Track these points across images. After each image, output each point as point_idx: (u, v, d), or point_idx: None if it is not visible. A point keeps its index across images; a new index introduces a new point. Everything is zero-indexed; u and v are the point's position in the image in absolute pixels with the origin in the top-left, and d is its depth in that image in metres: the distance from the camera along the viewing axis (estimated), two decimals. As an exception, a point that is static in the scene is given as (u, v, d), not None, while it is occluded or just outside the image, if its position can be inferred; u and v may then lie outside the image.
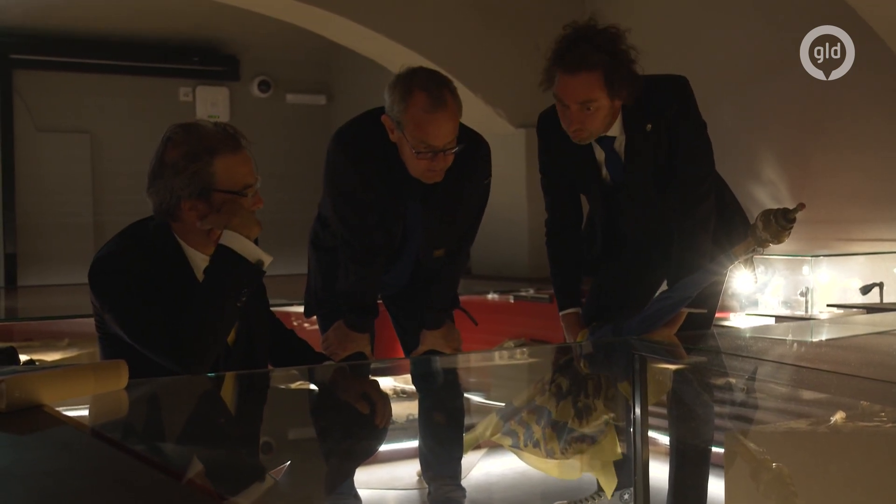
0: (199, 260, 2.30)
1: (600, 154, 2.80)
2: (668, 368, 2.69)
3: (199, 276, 2.28)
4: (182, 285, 2.25)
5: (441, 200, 2.79)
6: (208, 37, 7.84)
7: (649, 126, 2.70)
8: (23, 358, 2.18)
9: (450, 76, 2.72)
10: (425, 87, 2.60)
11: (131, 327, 2.20)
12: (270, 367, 2.49)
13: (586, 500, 2.77)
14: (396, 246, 2.86)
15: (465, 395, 2.94)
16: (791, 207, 2.51)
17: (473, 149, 2.81)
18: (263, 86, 8.13)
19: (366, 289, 2.84)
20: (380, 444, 2.53)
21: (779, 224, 2.50)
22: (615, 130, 2.73)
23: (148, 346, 2.19)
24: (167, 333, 2.17)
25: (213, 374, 2.23)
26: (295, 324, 3.80)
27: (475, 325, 3.02)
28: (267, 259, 2.27)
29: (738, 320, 4.62)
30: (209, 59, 7.94)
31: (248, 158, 2.29)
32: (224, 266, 2.23)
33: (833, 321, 4.25)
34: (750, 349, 2.86)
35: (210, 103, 7.98)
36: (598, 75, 2.58)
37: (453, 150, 2.65)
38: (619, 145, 2.76)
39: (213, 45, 7.96)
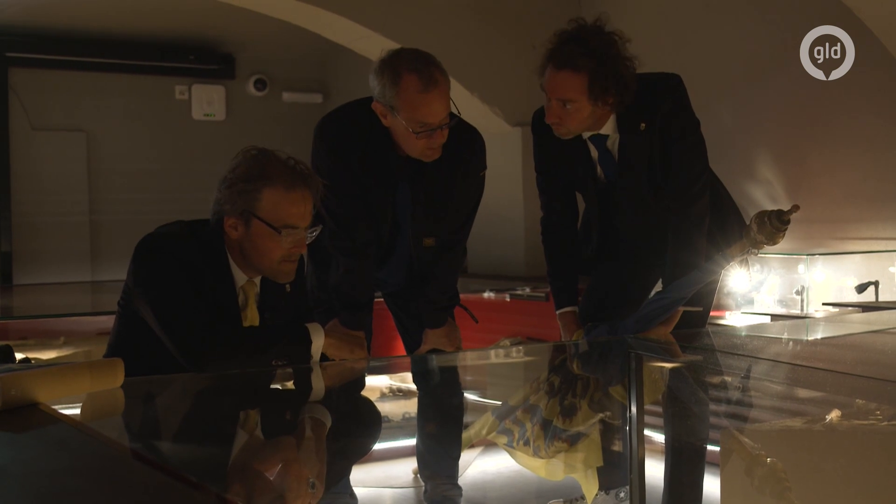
0: (239, 277, 2.38)
1: (594, 152, 2.80)
2: (663, 367, 2.69)
3: (238, 290, 2.37)
4: (218, 293, 2.33)
5: (432, 187, 2.79)
6: (204, 35, 7.83)
7: (643, 125, 2.70)
8: (18, 356, 2.18)
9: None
10: (414, 67, 2.60)
11: (159, 309, 2.25)
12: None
13: (580, 498, 2.78)
14: (386, 237, 2.85)
15: (462, 393, 2.94)
16: (786, 209, 2.52)
17: (468, 140, 2.81)
18: (259, 84, 8.13)
19: (357, 282, 2.83)
20: (375, 441, 2.53)
21: (773, 226, 2.51)
22: (608, 129, 2.74)
23: (167, 333, 2.23)
24: (192, 330, 2.22)
25: (208, 373, 2.23)
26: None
27: (476, 322, 3.01)
28: (315, 358, 2.38)
29: (733, 319, 4.63)
30: (205, 58, 7.93)
31: (303, 200, 2.33)
32: (293, 344, 2.34)
33: (828, 320, 4.26)
34: (745, 347, 2.86)
35: (206, 102, 7.97)
36: (582, 78, 2.59)
37: (449, 125, 2.66)
38: (612, 144, 2.76)
39: (208, 44, 7.95)
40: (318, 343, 2.36)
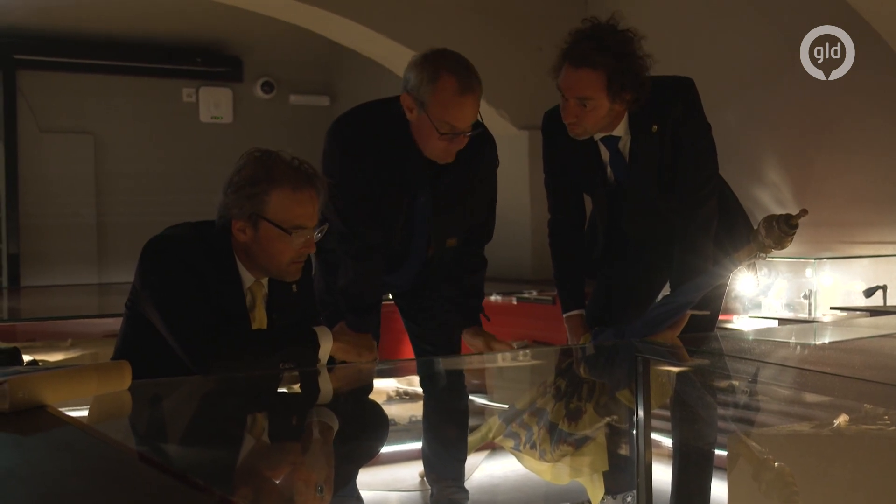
0: (247, 278, 2.37)
1: (605, 154, 2.80)
2: (671, 371, 2.69)
3: (245, 291, 2.36)
4: (226, 295, 2.32)
5: (450, 188, 2.78)
6: (211, 38, 7.85)
7: (655, 127, 2.70)
8: (26, 358, 2.19)
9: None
10: (454, 69, 2.62)
11: (165, 311, 2.25)
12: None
13: (587, 502, 2.77)
14: (396, 241, 2.85)
15: (468, 396, 2.94)
16: (793, 213, 2.51)
17: (481, 140, 2.81)
18: (266, 87, 8.14)
19: (364, 287, 2.83)
20: (381, 445, 2.53)
21: (781, 230, 2.50)
22: (620, 130, 2.73)
23: (174, 335, 2.24)
24: (198, 332, 2.22)
25: (215, 376, 2.23)
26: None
27: (488, 320, 3.02)
28: (323, 361, 2.37)
29: (741, 323, 4.62)
30: (212, 60, 7.94)
31: (311, 200, 2.32)
32: (300, 347, 2.33)
33: (836, 324, 4.25)
34: (753, 352, 2.85)
35: (213, 104, 7.99)
36: (600, 75, 2.58)
37: (471, 133, 2.66)
38: (624, 146, 2.76)
39: (216, 46, 7.96)
40: (326, 346, 2.35)
